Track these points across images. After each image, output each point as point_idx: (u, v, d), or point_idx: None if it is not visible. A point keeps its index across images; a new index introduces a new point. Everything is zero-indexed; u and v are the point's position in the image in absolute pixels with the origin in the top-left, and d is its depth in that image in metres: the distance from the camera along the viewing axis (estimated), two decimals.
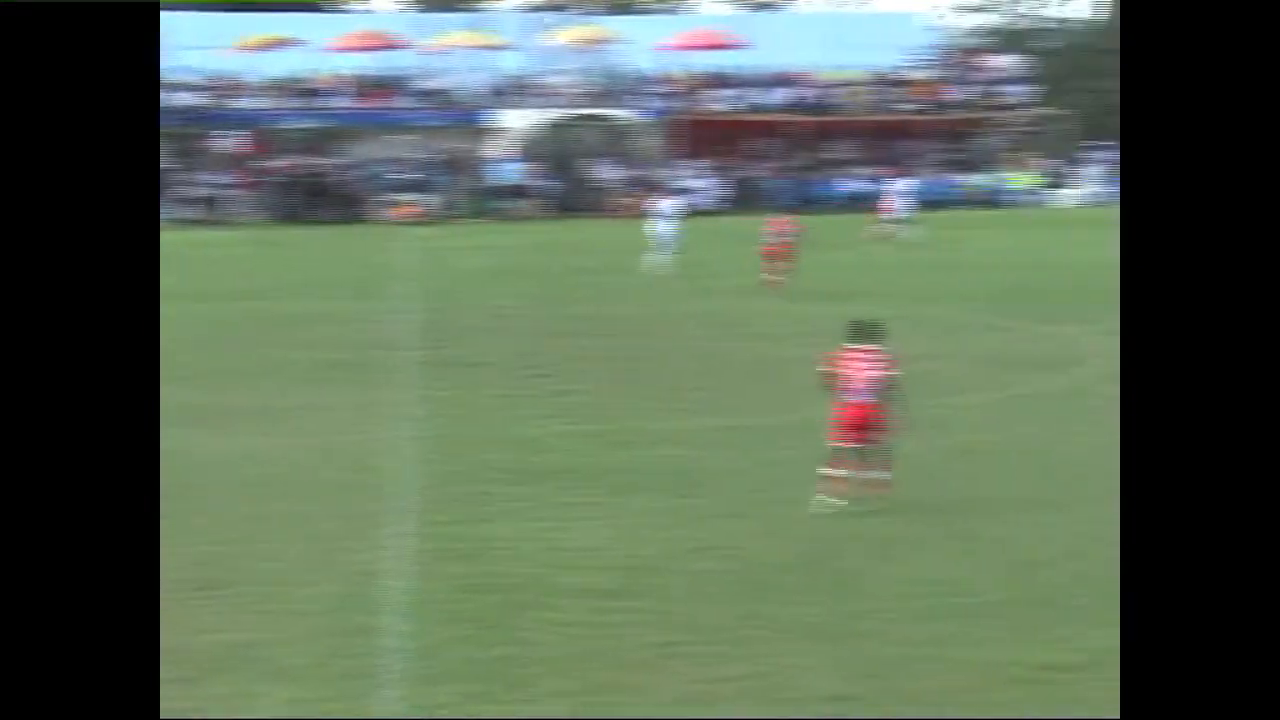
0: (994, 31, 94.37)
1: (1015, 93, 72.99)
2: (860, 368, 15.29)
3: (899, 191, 53.99)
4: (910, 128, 70.17)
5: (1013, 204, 66.55)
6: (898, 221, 51.46)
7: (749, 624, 12.12)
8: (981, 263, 42.58)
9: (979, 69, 74.94)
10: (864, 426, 15.26)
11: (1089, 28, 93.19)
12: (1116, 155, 71.16)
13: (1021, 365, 24.50)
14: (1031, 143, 71.36)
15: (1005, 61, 76.08)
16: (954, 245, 48.29)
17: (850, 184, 66.96)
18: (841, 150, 70.09)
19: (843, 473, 15.41)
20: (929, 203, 64.47)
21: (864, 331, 15.59)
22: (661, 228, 41.89)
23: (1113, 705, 10.20)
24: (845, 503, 15.34)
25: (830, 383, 15.51)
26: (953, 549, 14.10)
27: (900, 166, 66.17)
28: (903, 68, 72.40)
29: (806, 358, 25.42)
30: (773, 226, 37.70)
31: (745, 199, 62.56)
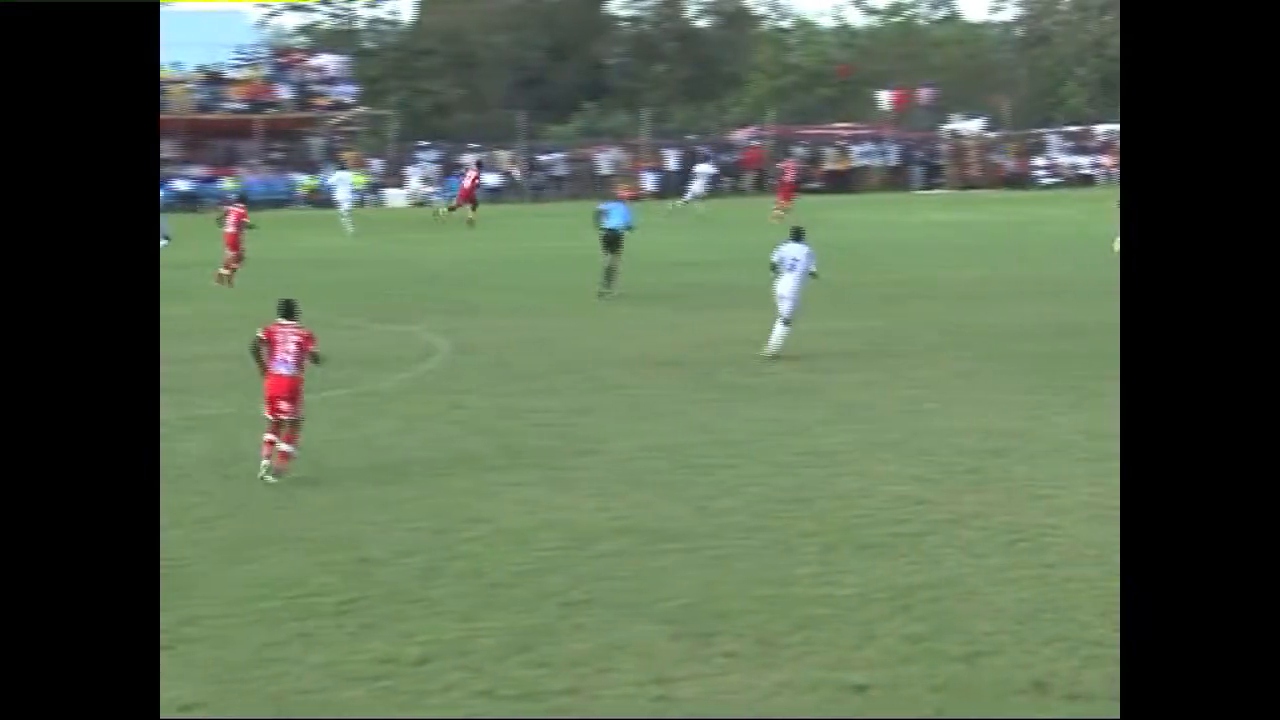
0: (315, 30, 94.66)
1: (339, 92, 73.54)
2: (284, 341, 16.55)
3: (332, 184, 55.57)
4: (237, 126, 69.59)
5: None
6: (345, 215, 52.62)
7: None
8: (320, 261, 42.77)
9: (303, 68, 75.08)
10: (284, 397, 16.43)
11: (406, 29, 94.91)
12: (442, 155, 72.80)
13: (367, 362, 24.65)
14: (358, 142, 72.11)
15: (328, 61, 76.51)
16: (288, 245, 48.15)
17: (180, 183, 65.83)
18: (166, 149, 68.77)
19: (280, 445, 16.46)
20: (262, 202, 64.14)
21: (287, 308, 16.89)
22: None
23: (453, 697, 10.52)
24: (276, 478, 16.25)
25: (261, 355, 16.66)
26: (297, 549, 14.03)
27: (230, 166, 65.40)
28: (227, 65, 71.70)
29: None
30: (232, 216, 36.67)
31: None
